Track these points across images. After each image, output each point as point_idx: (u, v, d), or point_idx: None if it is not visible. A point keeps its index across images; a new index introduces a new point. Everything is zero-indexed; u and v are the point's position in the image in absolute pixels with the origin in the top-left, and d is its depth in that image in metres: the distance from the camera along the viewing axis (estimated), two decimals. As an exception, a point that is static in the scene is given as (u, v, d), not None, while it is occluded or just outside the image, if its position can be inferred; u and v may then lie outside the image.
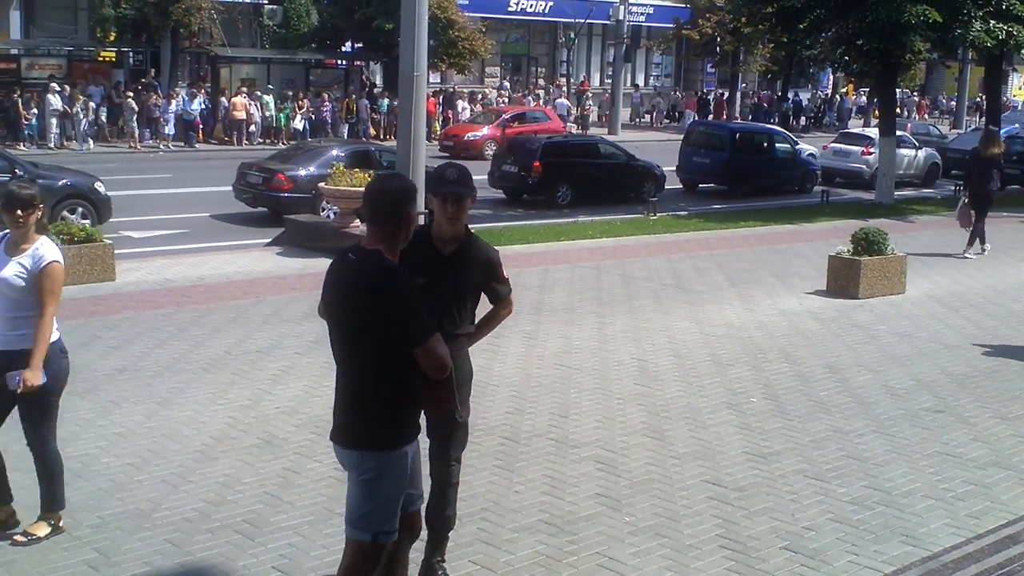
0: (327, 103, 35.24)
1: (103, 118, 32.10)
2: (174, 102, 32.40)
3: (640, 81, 54.62)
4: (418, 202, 6.85)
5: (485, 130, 33.94)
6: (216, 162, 28.46)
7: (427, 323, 4.28)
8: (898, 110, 37.28)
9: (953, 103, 58.27)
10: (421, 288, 4.43)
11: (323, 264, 15.36)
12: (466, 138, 33.62)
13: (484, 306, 5.60)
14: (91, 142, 30.88)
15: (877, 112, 32.38)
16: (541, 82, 47.27)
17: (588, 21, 47.95)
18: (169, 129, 32.01)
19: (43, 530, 5.94)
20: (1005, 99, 49.18)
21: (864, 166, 29.88)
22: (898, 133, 27.25)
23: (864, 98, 55.31)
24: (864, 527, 6.51)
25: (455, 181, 5.11)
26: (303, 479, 6.97)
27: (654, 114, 49.16)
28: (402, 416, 4.48)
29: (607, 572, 5.82)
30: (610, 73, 48.82)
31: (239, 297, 12.52)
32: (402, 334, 4.27)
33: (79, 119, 30.37)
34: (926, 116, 54.61)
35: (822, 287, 14.00)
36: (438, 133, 36.41)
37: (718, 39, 46.99)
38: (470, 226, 5.49)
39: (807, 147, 30.54)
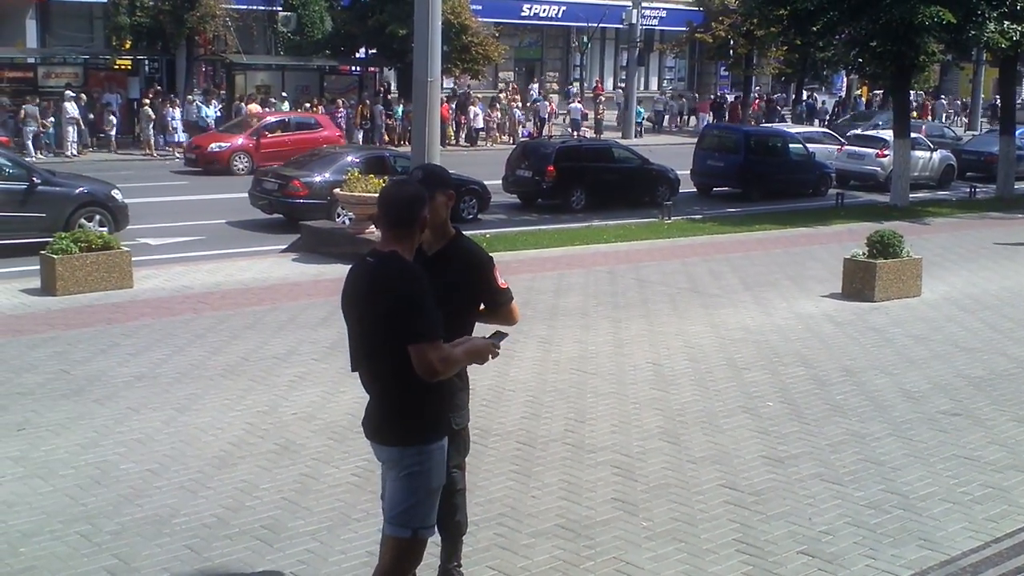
0: (341, 109, 35.32)
1: (108, 128, 32.03)
2: (178, 109, 32.51)
3: (654, 85, 54.58)
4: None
5: (239, 140, 28.65)
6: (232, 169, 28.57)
7: (428, 326, 4.33)
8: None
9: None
10: None
11: (339, 270, 15.40)
12: (209, 149, 28.40)
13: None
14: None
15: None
16: (536, 87, 46.94)
17: (601, 25, 47.98)
18: (179, 136, 32.08)
19: None
20: (1022, 100, 48.85)
21: (879, 168, 29.81)
22: (912, 135, 27.18)
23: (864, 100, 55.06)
24: (881, 531, 6.50)
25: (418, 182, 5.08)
26: (321, 484, 6.99)
27: (657, 119, 48.68)
28: (438, 408, 4.58)
29: (624, 576, 5.83)
30: (623, 77, 48.79)
31: (255, 303, 12.57)
32: (403, 330, 4.32)
33: (28, 129, 29.77)
34: (928, 118, 53.95)
35: (837, 290, 13.98)
36: (451, 138, 36.36)
37: (731, 42, 46.92)
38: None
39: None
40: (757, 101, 51.70)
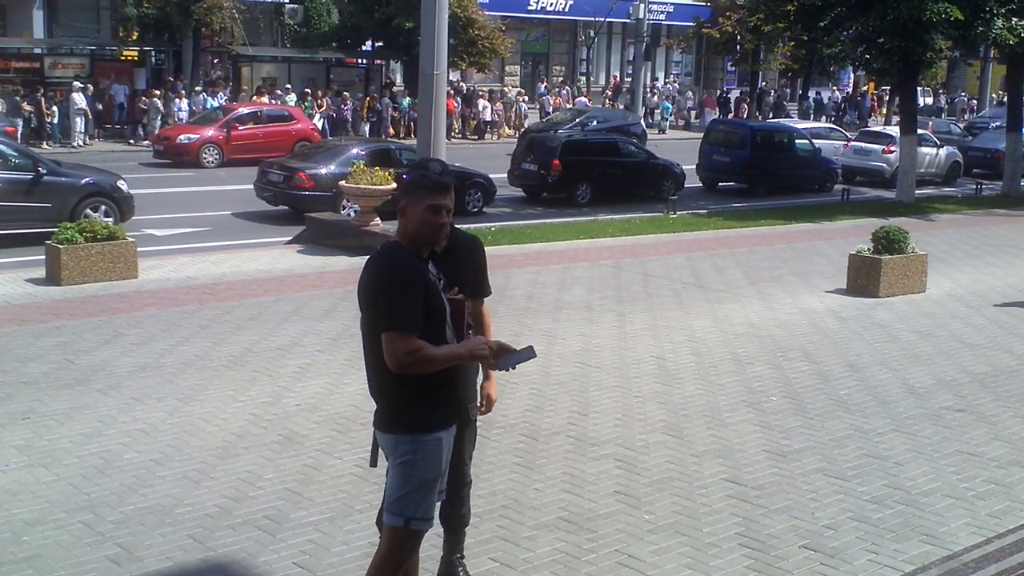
0: (347, 102, 35.32)
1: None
2: (185, 101, 32.54)
3: (661, 80, 54.50)
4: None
5: (210, 131, 27.89)
6: (237, 160, 28.57)
7: (395, 316, 4.24)
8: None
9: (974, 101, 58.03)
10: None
11: (344, 262, 15.36)
12: (178, 141, 27.65)
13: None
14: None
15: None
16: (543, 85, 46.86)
17: (608, 20, 47.92)
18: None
19: None
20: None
21: (885, 164, 29.80)
22: (919, 131, 27.15)
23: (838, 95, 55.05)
24: (884, 526, 6.50)
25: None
26: (324, 475, 7.00)
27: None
28: (433, 400, 4.48)
29: (626, 570, 5.83)
30: (630, 72, 48.72)
31: (260, 295, 12.58)
32: (374, 317, 4.30)
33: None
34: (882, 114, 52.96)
35: (842, 286, 13.96)
36: (456, 131, 36.35)
37: (738, 37, 46.86)
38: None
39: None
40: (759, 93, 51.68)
